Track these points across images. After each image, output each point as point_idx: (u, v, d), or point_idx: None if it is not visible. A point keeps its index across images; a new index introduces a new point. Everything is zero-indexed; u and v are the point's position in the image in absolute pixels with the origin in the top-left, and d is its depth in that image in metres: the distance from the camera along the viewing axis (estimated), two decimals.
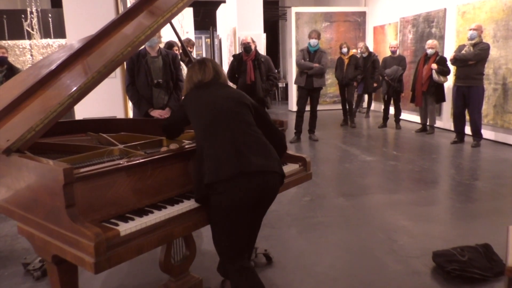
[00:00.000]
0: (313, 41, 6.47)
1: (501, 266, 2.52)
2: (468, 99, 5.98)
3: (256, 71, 5.43)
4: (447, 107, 7.26)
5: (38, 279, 2.60)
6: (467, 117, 6.19)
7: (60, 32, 8.38)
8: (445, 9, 7.35)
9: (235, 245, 1.88)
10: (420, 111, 7.31)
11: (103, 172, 1.65)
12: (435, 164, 5.25)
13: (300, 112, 6.68)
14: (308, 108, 6.72)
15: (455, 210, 3.70)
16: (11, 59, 6.40)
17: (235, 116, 1.93)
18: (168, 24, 2.29)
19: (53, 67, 2.07)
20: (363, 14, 10.45)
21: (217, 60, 13.46)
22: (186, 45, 3.50)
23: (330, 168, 5.24)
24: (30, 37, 8.34)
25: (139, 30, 2.01)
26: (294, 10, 10.38)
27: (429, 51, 6.73)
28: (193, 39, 9.80)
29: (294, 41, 10.25)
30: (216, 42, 15.19)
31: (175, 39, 3.86)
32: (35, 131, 1.73)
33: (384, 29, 9.70)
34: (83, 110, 4.77)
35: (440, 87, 6.80)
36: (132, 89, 3.79)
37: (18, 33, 8.49)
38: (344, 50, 7.91)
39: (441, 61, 6.62)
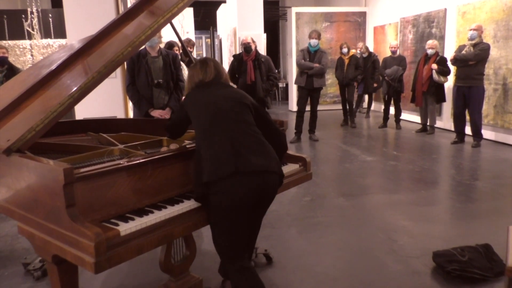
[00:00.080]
0: (314, 41, 6.47)
1: (501, 266, 2.52)
2: (469, 99, 5.98)
3: (257, 71, 5.43)
4: (447, 107, 7.26)
5: (38, 279, 2.60)
6: (468, 117, 6.19)
7: (60, 32, 8.39)
8: (445, 9, 7.35)
9: (235, 245, 1.88)
10: (420, 111, 7.31)
11: (103, 172, 1.65)
12: (435, 164, 5.25)
13: (300, 112, 6.68)
14: (308, 108, 6.72)
15: (455, 210, 3.70)
16: (11, 59, 6.40)
17: (235, 116, 1.93)
18: (169, 24, 2.29)
19: (53, 67, 2.08)
20: (363, 14, 10.45)
21: (217, 60, 13.45)
22: (186, 45, 3.50)
23: (330, 168, 5.24)
24: (30, 37, 8.35)
25: (139, 30, 2.01)
26: (295, 10, 10.38)
27: (429, 51, 6.73)
28: (193, 39, 9.81)
29: (294, 41, 10.25)
30: (217, 42, 15.19)
31: (176, 39, 3.86)
32: (35, 131, 1.73)
33: (384, 29, 9.70)
34: (84, 110, 4.77)
35: (440, 87, 6.80)
36: (133, 89, 3.79)
37: (19, 33, 8.50)
38: (345, 50, 7.91)
39: (441, 61, 6.62)
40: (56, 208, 1.52)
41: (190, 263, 2.32)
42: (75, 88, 1.81)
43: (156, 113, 3.73)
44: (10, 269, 2.76)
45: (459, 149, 5.97)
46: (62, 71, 2.08)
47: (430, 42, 6.79)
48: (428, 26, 7.85)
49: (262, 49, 8.11)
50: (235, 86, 5.61)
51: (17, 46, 8.35)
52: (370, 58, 8.48)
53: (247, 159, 1.81)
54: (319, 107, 6.96)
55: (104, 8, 5.01)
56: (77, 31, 4.84)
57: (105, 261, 1.45)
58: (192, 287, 2.28)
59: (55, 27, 8.64)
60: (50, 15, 8.66)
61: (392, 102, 7.72)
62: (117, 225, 1.56)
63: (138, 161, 1.79)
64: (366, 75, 8.44)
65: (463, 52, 5.90)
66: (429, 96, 6.89)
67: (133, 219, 1.62)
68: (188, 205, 1.82)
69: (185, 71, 4.43)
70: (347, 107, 8.12)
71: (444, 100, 6.92)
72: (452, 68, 6.49)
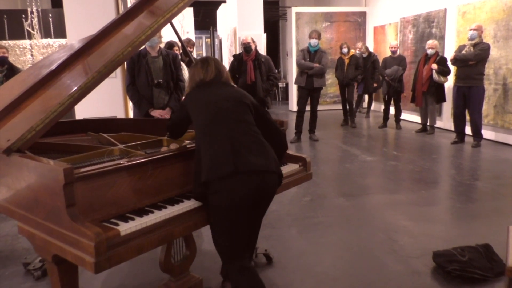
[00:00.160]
0: (314, 41, 6.47)
1: (501, 266, 2.52)
2: (469, 99, 5.98)
3: (257, 71, 5.43)
4: (447, 107, 7.26)
5: (39, 279, 2.60)
6: (468, 117, 6.19)
7: (60, 32, 8.39)
8: (445, 9, 7.35)
9: (235, 245, 1.88)
10: (420, 111, 7.31)
11: (104, 172, 1.65)
12: (436, 164, 5.25)
13: (300, 112, 6.68)
14: (308, 108, 6.72)
15: (456, 210, 3.70)
16: (11, 59, 6.40)
17: (235, 115, 1.93)
18: (169, 24, 2.29)
19: (53, 67, 2.08)
20: (363, 14, 10.45)
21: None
22: (186, 45, 3.50)
23: (331, 168, 5.24)
24: (30, 37, 8.35)
25: (139, 30, 2.01)
26: (295, 10, 10.38)
27: (430, 51, 6.73)
28: (193, 39, 9.81)
29: (294, 41, 10.25)
30: (217, 42, 15.19)
31: (176, 39, 3.86)
32: (35, 131, 1.73)
33: (384, 29, 9.70)
34: (84, 110, 4.77)
35: (440, 87, 6.80)
36: (133, 89, 3.79)
37: (19, 33, 8.50)
38: (345, 50, 7.91)
39: (441, 61, 6.62)
40: (56, 208, 1.52)
41: (190, 263, 2.32)
42: (75, 88, 1.81)
43: (156, 113, 3.73)
44: (11, 269, 2.76)
45: (459, 149, 5.96)
46: (62, 71, 2.08)
47: (430, 42, 6.79)
48: (428, 26, 7.85)
49: (262, 49, 8.11)
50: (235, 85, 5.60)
51: (17, 46, 8.35)
52: (370, 58, 8.48)
53: (246, 158, 1.81)
54: (319, 107, 6.96)
55: (104, 8, 5.01)
56: (77, 31, 4.84)
57: (105, 261, 1.45)
58: (192, 287, 2.28)
59: (55, 27, 8.64)
60: (50, 15, 8.66)
61: (392, 102, 7.72)
62: (117, 225, 1.56)
63: (138, 161, 1.79)
64: (366, 75, 8.44)
65: (463, 52, 5.90)
66: (429, 96, 6.89)
67: (133, 219, 1.62)
68: (188, 205, 1.82)
69: (185, 71, 4.43)
70: (347, 107, 8.12)
71: (444, 100, 6.92)
72: (452, 68, 6.49)
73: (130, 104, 5.16)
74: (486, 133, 6.29)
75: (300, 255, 2.87)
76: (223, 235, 1.87)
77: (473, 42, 5.81)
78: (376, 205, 3.84)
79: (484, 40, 5.96)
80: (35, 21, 8.21)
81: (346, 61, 7.91)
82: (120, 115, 5.23)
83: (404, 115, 8.36)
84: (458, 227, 3.34)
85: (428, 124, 7.18)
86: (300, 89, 6.75)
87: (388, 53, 7.83)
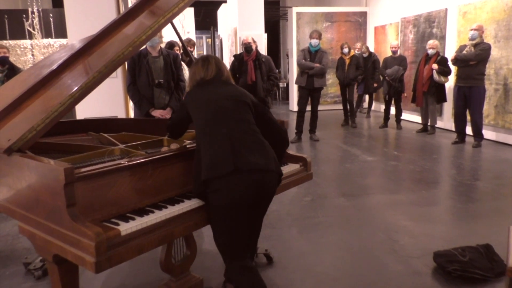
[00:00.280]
0: (314, 41, 6.47)
1: (502, 266, 2.52)
2: (469, 99, 5.97)
3: (257, 71, 5.43)
4: (448, 107, 7.26)
5: (39, 278, 2.60)
6: (468, 117, 6.18)
7: (61, 32, 8.40)
8: (446, 9, 7.35)
9: (236, 245, 1.88)
10: (421, 111, 7.30)
11: (104, 171, 1.65)
12: (436, 164, 5.24)
13: (301, 112, 6.68)
14: (309, 108, 6.72)
15: (456, 211, 3.70)
16: (12, 59, 6.41)
17: (235, 115, 1.93)
18: (169, 24, 2.29)
19: (54, 67, 2.08)
20: (364, 14, 10.44)
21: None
22: (186, 45, 3.50)
23: (331, 168, 5.24)
24: (31, 37, 8.36)
25: (140, 30, 2.01)
26: (295, 10, 10.38)
27: (430, 51, 6.73)
28: (194, 39, 9.81)
29: (295, 41, 10.25)
30: (217, 42, 15.19)
31: (176, 39, 3.86)
32: (36, 131, 1.73)
33: (385, 29, 9.70)
34: (84, 110, 4.78)
35: (441, 87, 6.79)
36: (133, 89, 3.79)
37: (20, 33, 8.51)
38: (345, 50, 7.91)
39: (442, 61, 6.61)
40: (57, 207, 1.52)
41: (190, 262, 2.32)
42: (76, 88, 1.81)
43: (157, 113, 3.73)
44: (11, 269, 2.76)
45: (460, 149, 5.96)
46: (63, 70, 2.08)
47: (430, 42, 6.78)
48: (429, 26, 7.84)
49: (262, 49, 8.11)
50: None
51: (18, 46, 8.36)
52: (370, 58, 8.48)
53: (246, 158, 1.82)
54: (320, 107, 6.96)
55: (105, 8, 5.02)
56: (78, 31, 4.84)
57: (106, 261, 1.45)
58: (193, 286, 2.28)
59: (56, 26, 8.65)
60: (51, 14, 8.67)
61: (392, 102, 7.71)
62: (117, 224, 1.56)
63: (138, 161, 1.80)
64: (366, 75, 8.44)
65: (464, 52, 5.90)
66: (429, 96, 6.89)
67: (133, 219, 1.62)
68: (189, 205, 1.82)
69: (185, 71, 4.43)
70: (348, 107, 8.12)
71: (444, 100, 6.91)
72: (453, 68, 6.48)
73: (131, 104, 5.16)
74: (487, 133, 6.28)
75: (300, 255, 2.87)
76: (224, 234, 1.87)
77: (474, 42, 5.81)
78: (376, 205, 3.84)
79: (485, 40, 5.96)
80: (36, 21, 8.22)
81: (347, 61, 7.90)
82: (121, 115, 5.23)
83: (405, 115, 8.35)
84: (459, 227, 3.33)
85: (428, 124, 7.18)
86: (300, 89, 6.75)
87: (389, 53, 7.82)
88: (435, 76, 6.63)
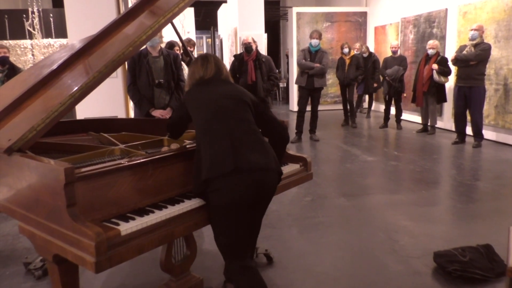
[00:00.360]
0: (315, 41, 6.47)
1: (502, 266, 2.52)
2: (469, 99, 5.97)
3: (257, 71, 5.43)
4: (448, 107, 7.26)
5: (39, 278, 2.60)
6: (468, 118, 6.18)
7: (61, 32, 8.40)
8: (446, 9, 7.35)
9: (236, 244, 1.88)
10: (421, 111, 7.30)
11: (104, 171, 1.65)
12: (436, 164, 5.24)
13: (301, 112, 6.68)
14: (309, 108, 6.72)
15: (456, 211, 3.70)
16: (12, 59, 6.42)
17: (235, 114, 1.93)
18: (169, 24, 2.29)
19: (54, 66, 2.08)
20: (364, 14, 10.44)
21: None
22: (186, 45, 3.50)
23: (331, 168, 5.24)
24: (31, 36, 8.36)
25: (140, 30, 2.01)
26: (295, 10, 10.38)
27: (430, 52, 6.73)
28: (194, 39, 9.82)
29: (295, 41, 10.25)
30: (217, 42, 15.19)
31: (176, 39, 3.86)
32: (36, 131, 1.73)
33: (385, 29, 9.70)
34: (84, 110, 4.78)
35: (441, 87, 6.79)
36: (134, 89, 3.79)
37: (20, 33, 8.52)
38: (346, 50, 7.91)
39: (442, 62, 6.61)
40: (57, 207, 1.52)
41: (190, 262, 2.32)
42: (76, 88, 1.81)
43: (157, 113, 3.73)
44: (11, 269, 2.76)
45: (460, 150, 5.96)
46: (63, 70, 2.08)
47: (431, 42, 6.78)
48: (429, 26, 7.84)
49: (263, 49, 8.11)
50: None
51: (18, 46, 8.36)
52: (370, 58, 8.48)
53: (246, 157, 1.82)
54: (320, 107, 6.96)
55: (105, 8, 5.02)
56: (78, 31, 4.85)
57: (106, 261, 1.45)
58: (193, 286, 2.28)
59: (56, 26, 8.65)
60: (51, 14, 8.68)
61: (392, 102, 7.71)
62: (118, 224, 1.56)
63: (139, 161, 1.80)
64: (366, 75, 8.44)
65: (464, 52, 5.90)
66: (430, 96, 6.89)
67: (133, 219, 1.62)
68: (189, 204, 1.82)
69: (186, 71, 4.43)
70: (348, 107, 8.12)
71: (445, 100, 6.91)
72: (453, 68, 6.48)
73: (131, 104, 5.16)
74: (487, 134, 6.28)
75: (300, 255, 2.87)
76: (224, 234, 1.87)
77: (474, 42, 5.80)
78: (376, 205, 3.84)
79: (485, 40, 5.96)
80: (36, 21, 8.23)
81: (347, 61, 7.90)
82: (121, 115, 5.23)
83: (405, 115, 8.35)
84: (459, 227, 3.33)
85: (429, 124, 7.18)
86: (300, 89, 6.75)
87: (389, 53, 7.82)
88: (435, 76, 6.63)
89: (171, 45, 5.08)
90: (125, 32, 2.17)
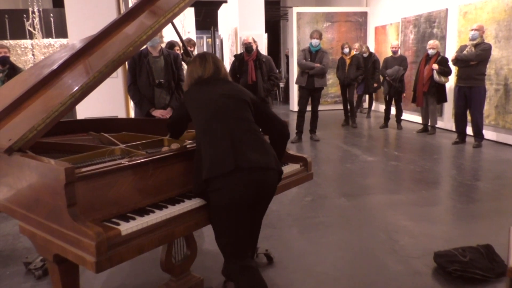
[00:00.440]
0: (315, 41, 6.47)
1: (502, 267, 2.52)
2: (470, 99, 5.97)
3: (258, 71, 5.43)
4: (448, 107, 7.26)
5: (40, 278, 2.60)
6: (469, 118, 6.18)
7: (61, 32, 8.40)
8: (446, 9, 7.34)
9: (236, 244, 1.88)
10: (421, 111, 7.30)
11: (105, 171, 1.65)
12: (437, 164, 5.24)
13: (301, 112, 6.68)
14: (309, 108, 6.72)
15: (457, 211, 3.70)
16: (13, 59, 6.41)
17: (234, 113, 1.93)
18: (170, 24, 2.29)
19: (54, 66, 2.08)
20: (364, 14, 10.44)
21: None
22: (187, 45, 3.50)
23: (331, 168, 5.24)
24: (32, 36, 8.36)
25: (140, 30, 2.01)
26: (296, 10, 10.38)
27: (431, 52, 6.72)
28: (194, 39, 9.82)
29: (295, 41, 10.25)
30: (218, 42, 15.19)
31: (177, 39, 3.87)
32: (36, 131, 1.73)
33: (385, 29, 9.70)
34: (85, 110, 4.78)
35: (441, 87, 6.79)
36: (134, 89, 3.79)
37: (20, 33, 8.52)
38: (346, 50, 7.91)
39: (443, 62, 6.61)
40: (57, 207, 1.53)
41: (191, 262, 2.32)
42: (76, 88, 1.81)
43: (158, 113, 3.73)
44: (12, 268, 2.76)
45: (460, 150, 5.96)
46: (63, 70, 2.08)
47: (431, 42, 6.78)
48: (429, 26, 7.84)
49: (263, 49, 8.11)
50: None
51: (19, 46, 8.36)
52: (370, 58, 8.48)
53: (247, 156, 1.82)
54: (320, 107, 6.96)
55: (106, 8, 5.02)
56: (78, 31, 4.84)
57: (106, 261, 1.45)
58: (193, 286, 2.28)
59: (56, 26, 8.65)
60: (51, 14, 8.68)
61: (393, 102, 7.71)
62: (118, 224, 1.56)
63: (139, 161, 1.80)
64: (366, 75, 8.44)
65: (465, 52, 5.89)
66: (430, 96, 6.89)
67: (134, 219, 1.62)
68: (189, 204, 1.82)
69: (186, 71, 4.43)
70: (348, 107, 8.12)
71: (445, 100, 6.91)
72: (454, 68, 6.48)
73: (131, 104, 5.17)
74: (487, 134, 6.28)
75: (301, 255, 2.87)
76: (225, 233, 1.87)
77: (475, 42, 5.80)
78: (377, 205, 3.84)
79: (486, 41, 5.95)
80: (36, 20, 8.22)
81: (348, 61, 7.90)
82: (121, 115, 5.23)
83: (405, 115, 8.35)
84: (459, 228, 3.33)
85: (429, 124, 7.18)
86: (301, 89, 6.75)
87: (389, 53, 7.82)
88: (436, 76, 6.62)
89: (171, 45, 5.08)
90: (126, 32, 2.17)
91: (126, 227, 1.54)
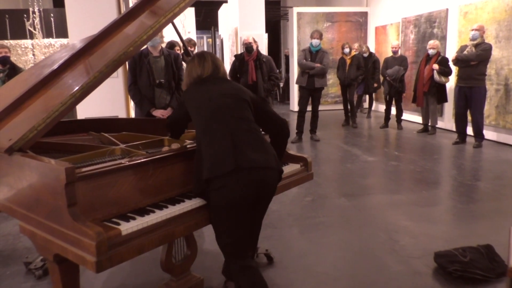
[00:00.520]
0: (315, 41, 6.47)
1: (503, 267, 2.51)
2: (470, 99, 5.97)
3: (258, 71, 5.44)
4: (449, 107, 7.25)
5: (40, 278, 2.60)
6: (469, 118, 6.18)
7: (62, 32, 8.40)
8: (447, 10, 7.34)
9: (237, 244, 1.88)
10: (421, 111, 7.30)
11: (105, 171, 1.65)
12: (437, 164, 5.24)
13: (301, 112, 6.68)
14: (309, 108, 6.72)
15: (457, 211, 3.70)
16: (13, 59, 6.41)
17: (234, 113, 1.93)
18: (170, 24, 2.29)
19: (55, 66, 2.08)
20: (364, 14, 10.44)
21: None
22: (187, 45, 3.50)
23: (332, 168, 5.24)
24: (32, 36, 8.36)
25: (141, 30, 2.01)
26: (296, 10, 10.38)
27: (431, 52, 6.72)
28: (194, 39, 9.82)
29: (295, 41, 10.25)
30: (218, 42, 15.20)
31: (177, 39, 3.87)
32: (37, 131, 1.73)
33: (386, 29, 9.69)
34: (85, 110, 4.78)
35: (441, 87, 6.79)
36: (134, 88, 3.79)
37: (20, 33, 8.51)
38: (346, 50, 7.91)
39: (443, 62, 6.61)
40: (58, 207, 1.53)
41: (191, 262, 2.32)
42: (76, 88, 1.81)
43: (158, 113, 3.73)
44: (12, 268, 2.76)
45: (461, 150, 5.96)
46: (64, 70, 2.08)
47: (431, 42, 6.78)
48: (429, 26, 7.84)
49: (263, 49, 8.11)
50: None
51: (19, 46, 8.36)
52: (370, 58, 8.48)
53: (247, 156, 1.82)
54: (320, 107, 6.95)
55: (106, 8, 5.02)
56: (78, 31, 4.84)
57: (107, 260, 1.45)
58: (193, 286, 2.28)
59: (57, 26, 8.65)
60: (52, 14, 8.68)
61: (393, 102, 7.71)
62: (118, 224, 1.56)
63: (139, 161, 1.80)
64: (366, 75, 8.44)
65: (465, 52, 5.89)
66: (430, 96, 6.88)
67: (134, 219, 1.62)
68: (189, 204, 1.82)
69: None
70: (349, 107, 8.11)
71: (445, 100, 6.91)
72: (454, 69, 6.48)
73: (132, 104, 5.17)
74: (488, 134, 6.28)
75: (301, 255, 2.87)
76: (225, 233, 1.87)
77: (475, 42, 5.80)
78: (377, 205, 3.84)
79: (486, 41, 5.95)
80: (36, 20, 8.22)
81: (348, 61, 7.90)
82: (122, 115, 5.23)
83: (406, 116, 8.35)
84: (460, 228, 3.33)
85: (429, 124, 7.18)
86: (301, 89, 6.75)
87: (390, 53, 7.82)
88: (436, 76, 6.62)
89: (171, 45, 5.08)
90: (126, 32, 2.17)
91: (126, 227, 1.54)
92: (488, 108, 6.30)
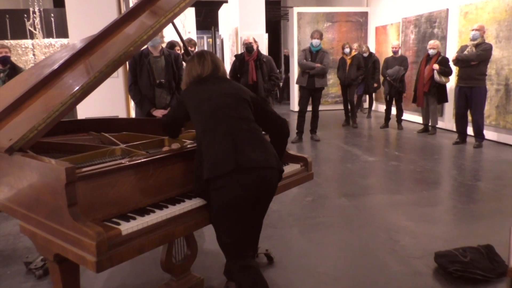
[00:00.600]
0: (316, 41, 6.47)
1: (503, 267, 2.51)
2: (471, 99, 5.97)
3: (258, 71, 5.44)
4: (449, 107, 7.25)
5: (40, 278, 2.60)
6: (469, 118, 6.18)
7: (62, 32, 8.40)
8: (447, 10, 7.34)
9: (237, 243, 1.88)
10: (422, 111, 7.30)
11: (105, 171, 1.65)
12: (437, 164, 5.24)
13: (301, 112, 6.68)
14: (309, 108, 6.72)
15: (457, 211, 3.69)
16: (13, 59, 6.41)
17: (234, 113, 1.93)
18: (170, 24, 2.29)
19: (55, 66, 2.08)
20: (365, 14, 10.44)
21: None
22: (187, 45, 3.50)
23: (332, 168, 5.24)
24: (32, 36, 8.36)
25: (141, 30, 2.01)
26: (296, 10, 10.38)
27: (431, 52, 6.72)
28: (195, 39, 9.82)
29: (296, 41, 10.25)
30: (218, 42, 15.20)
31: (177, 39, 3.87)
32: (37, 130, 1.73)
33: (386, 29, 9.69)
34: (85, 110, 4.78)
35: (442, 87, 6.79)
36: (135, 88, 3.80)
37: (21, 33, 8.52)
38: (347, 50, 7.91)
39: (443, 62, 6.61)
40: (58, 207, 1.53)
41: (191, 262, 2.32)
42: (77, 88, 1.81)
43: (158, 113, 3.73)
44: (12, 268, 2.76)
45: (461, 150, 5.95)
46: (64, 70, 2.08)
47: (431, 42, 6.78)
48: (430, 26, 7.84)
49: (263, 49, 8.11)
50: None
51: (19, 46, 8.37)
52: (370, 58, 8.48)
53: (247, 155, 1.82)
54: (321, 107, 6.96)
55: (106, 8, 5.02)
56: (79, 31, 4.84)
57: (107, 260, 1.45)
58: (193, 286, 2.28)
59: (57, 26, 8.65)
60: (52, 14, 8.68)
61: (393, 102, 7.71)
62: (118, 224, 1.56)
63: (139, 161, 1.80)
64: (367, 75, 8.44)
65: (465, 52, 5.89)
66: (430, 96, 6.88)
67: (134, 219, 1.62)
68: (190, 204, 1.82)
69: None
70: (349, 107, 8.11)
71: (446, 100, 6.91)
72: (454, 69, 6.47)
73: (132, 103, 5.17)
74: (488, 134, 6.28)
75: (301, 255, 2.87)
76: (226, 233, 1.87)
77: (475, 42, 5.80)
78: (377, 206, 3.83)
79: (486, 41, 5.95)
80: (37, 20, 8.23)
81: (348, 61, 7.90)
82: (122, 114, 5.23)
83: (406, 116, 8.35)
84: (460, 228, 3.33)
85: (429, 124, 7.17)
86: (301, 89, 6.75)
87: (390, 53, 7.82)
88: (436, 76, 6.62)
89: (172, 45, 5.08)
90: (126, 32, 2.17)
91: (126, 227, 1.54)
92: (489, 108, 6.30)
